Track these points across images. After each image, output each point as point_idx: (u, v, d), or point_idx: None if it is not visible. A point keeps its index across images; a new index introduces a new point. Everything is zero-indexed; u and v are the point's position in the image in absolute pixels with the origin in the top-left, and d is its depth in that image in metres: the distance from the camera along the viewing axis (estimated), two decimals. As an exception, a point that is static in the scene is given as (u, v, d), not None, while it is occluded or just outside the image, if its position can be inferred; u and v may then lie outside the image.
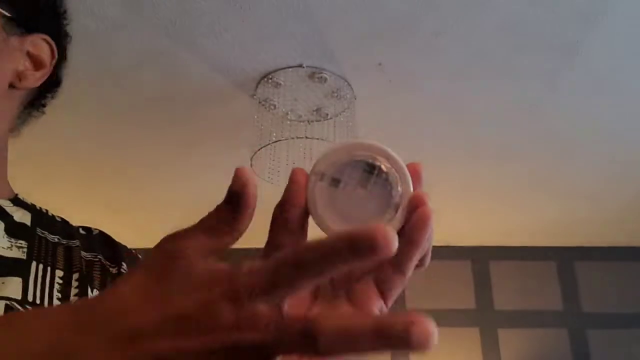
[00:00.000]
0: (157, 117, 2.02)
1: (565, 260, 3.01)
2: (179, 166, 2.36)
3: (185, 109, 1.97)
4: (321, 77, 1.74)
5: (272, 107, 1.86)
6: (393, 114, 1.98)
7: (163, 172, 2.41)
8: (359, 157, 0.33)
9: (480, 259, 3.02)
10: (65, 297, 0.55)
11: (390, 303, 0.37)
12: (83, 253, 0.61)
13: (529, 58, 1.69)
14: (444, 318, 2.89)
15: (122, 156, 2.28)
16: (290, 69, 1.73)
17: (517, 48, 1.64)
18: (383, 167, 0.33)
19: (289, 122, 1.90)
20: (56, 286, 0.55)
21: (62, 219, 0.63)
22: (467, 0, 1.47)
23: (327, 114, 1.89)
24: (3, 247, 0.53)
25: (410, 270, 0.37)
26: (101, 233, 0.66)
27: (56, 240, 0.60)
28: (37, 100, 0.64)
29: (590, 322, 2.86)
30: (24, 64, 0.58)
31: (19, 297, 0.51)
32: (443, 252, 3.00)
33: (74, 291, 0.57)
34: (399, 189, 0.34)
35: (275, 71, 1.74)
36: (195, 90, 1.86)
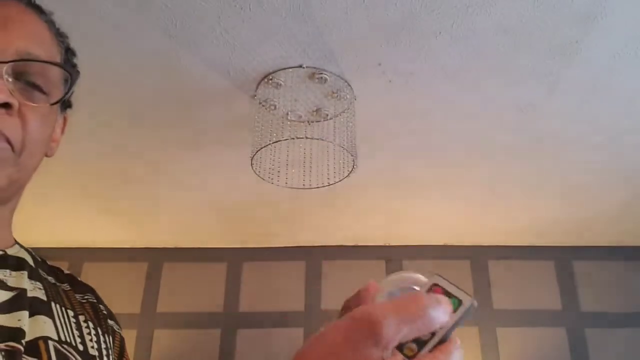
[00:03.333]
0: (157, 118, 2.02)
1: (564, 259, 3.02)
2: (179, 166, 2.36)
3: (185, 110, 1.97)
4: (321, 77, 1.75)
5: (272, 107, 1.87)
6: (393, 114, 1.99)
7: (163, 172, 2.42)
8: (414, 287, 0.46)
9: (479, 259, 3.02)
10: (81, 336, 0.59)
11: None
12: (77, 295, 0.64)
13: (528, 58, 1.69)
14: (443, 317, 2.90)
15: (121, 156, 2.28)
16: (290, 70, 1.73)
17: (517, 48, 1.65)
18: None
19: (289, 123, 1.90)
20: (74, 326, 0.59)
21: (42, 259, 0.66)
22: (467, 0, 1.48)
23: (327, 114, 1.90)
24: (30, 289, 0.56)
25: None
26: (69, 274, 0.68)
27: (53, 281, 0.63)
28: None
29: (589, 321, 2.87)
30: (57, 138, 0.65)
31: (56, 337, 0.54)
32: (442, 252, 3.00)
33: (85, 330, 0.60)
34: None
35: (275, 72, 1.75)
36: (195, 91, 1.86)
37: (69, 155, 2.27)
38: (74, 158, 2.29)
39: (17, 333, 0.50)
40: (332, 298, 2.94)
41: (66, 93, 0.60)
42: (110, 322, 0.66)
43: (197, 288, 3.07)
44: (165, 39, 1.62)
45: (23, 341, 0.50)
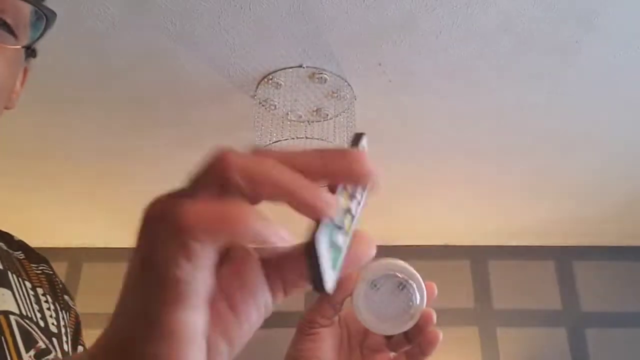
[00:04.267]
0: (156, 117, 2.02)
1: (564, 259, 3.02)
2: (179, 166, 2.36)
3: (185, 109, 1.97)
4: (321, 77, 1.75)
5: (272, 107, 1.87)
6: (393, 114, 1.99)
7: (163, 172, 2.42)
8: (397, 274, 0.48)
9: (479, 259, 3.02)
10: (41, 311, 0.54)
11: None
12: (32, 265, 0.59)
13: (529, 58, 1.69)
14: (443, 317, 2.89)
15: (121, 156, 2.28)
16: (290, 69, 1.73)
17: (517, 48, 1.65)
18: (411, 286, 0.48)
19: (289, 123, 1.90)
20: (32, 299, 0.54)
21: None
22: (467, 0, 1.48)
23: (327, 114, 1.89)
24: None
25: None
26: (20, 240, 0.62)
27: (5, 248, 0.57)
28: None
29: (589, 321, 2.86)
30: (17, 90, 0.57)
31: (17, 312, 0.49)
32: (442, 252, 3.00)
33: (45, 305, 0.55)
34: (417, 304, 0.48)
35: (275, 71, 1.75)
36: (195, 91, 1.86)
37: (68, 155, 2.27)
38: (73, 158, 2.29)
39: None
40: (332, 298, 2.93)
41: (41, 35, 0.53)
42: (65, 297, 0.61)
43: (196, 288, 3.06)
44: (164, 39, 1.62)
45: None
